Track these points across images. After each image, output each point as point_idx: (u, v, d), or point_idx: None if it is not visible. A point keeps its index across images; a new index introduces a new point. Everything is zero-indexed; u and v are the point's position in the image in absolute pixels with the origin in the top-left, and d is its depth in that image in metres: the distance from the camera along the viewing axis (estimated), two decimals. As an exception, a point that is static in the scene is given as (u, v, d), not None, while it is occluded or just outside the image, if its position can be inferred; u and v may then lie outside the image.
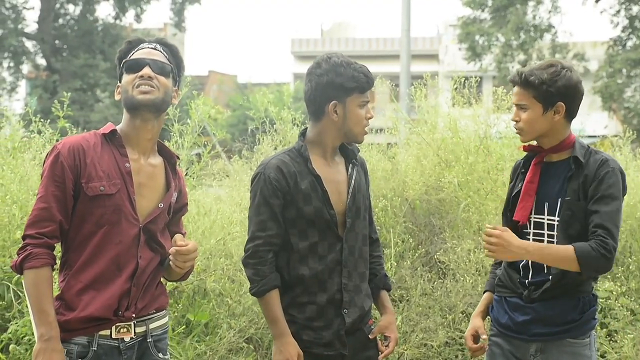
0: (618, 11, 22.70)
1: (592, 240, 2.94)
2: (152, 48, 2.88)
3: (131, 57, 2.85)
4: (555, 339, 3.05)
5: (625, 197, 5.44)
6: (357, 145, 3.24)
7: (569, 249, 2.93)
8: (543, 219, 3.09)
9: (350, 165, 3.17)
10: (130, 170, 2.79)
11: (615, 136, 6.59)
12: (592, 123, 14.18)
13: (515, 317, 3.09)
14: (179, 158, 2.99)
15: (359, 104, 3.07)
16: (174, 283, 4.70)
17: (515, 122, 3.11)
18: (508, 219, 3.19)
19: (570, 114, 3.08)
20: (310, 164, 3.06)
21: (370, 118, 3.12)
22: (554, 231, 3.06)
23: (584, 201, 3.01)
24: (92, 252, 2.73)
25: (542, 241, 3.07)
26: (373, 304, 3.31)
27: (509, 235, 2.93)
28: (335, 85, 3.02)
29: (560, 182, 3.07)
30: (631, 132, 6.31)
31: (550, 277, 3.04)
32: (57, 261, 2.76)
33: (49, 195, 2.70)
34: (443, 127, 5.97)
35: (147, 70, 2.81)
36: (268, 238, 3.02)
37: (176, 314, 4.67)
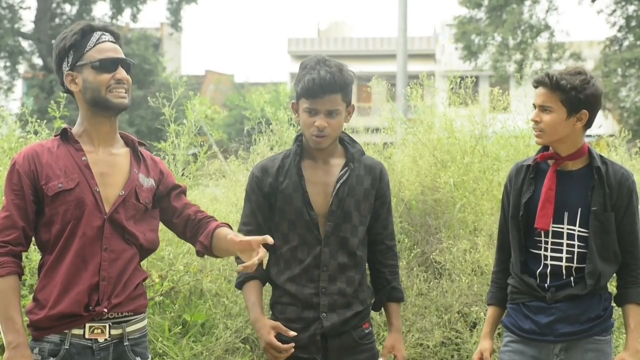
0: (614, 11, 22.72)
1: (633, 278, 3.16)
2: (112, 42, 2.84)
3: (101, 56, 2.78)
4: (582, 337, 3.06)
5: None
6: (360, 148, 3.23)
7: (636, 309, 3.14)
8: (562, 228, 3.07)
9: (346, 167, 3.13)
10: (88, 162, 2.78)
11: (611, 136, 6.59)
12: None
13: (539, 320, 3.07)
14: (141, 143, 2.95)
15: (305, 110, 3.06)
16: (171, 283, 4.70)
17: (535, 123, 3.07)
18: (519, 225, 3.13)
19: (589, 123, 3.07)
20: (299, 163, 3.09)
21: (319, 127, 3.02)
22: (573, 241, 3.06)
23: (611, 212, 3.05)
24: (60, 249, 2.73)
25: (561, 251, 3.07)
26: (374, 310, 3.29)
27: None
28: (296, 87, 3.10)
29: (580, 192, 3.07)
30: (627, 132, 6.32)
31: (587, 275, 3.06)
32: (24, 270, 2.77)
33: (10, 204, 2.73)
34: (439, 127, 5.97)
35: (123, 74, 2.80)
36: (248, 233, 3.03)
37: (172, 314, 4.67)
